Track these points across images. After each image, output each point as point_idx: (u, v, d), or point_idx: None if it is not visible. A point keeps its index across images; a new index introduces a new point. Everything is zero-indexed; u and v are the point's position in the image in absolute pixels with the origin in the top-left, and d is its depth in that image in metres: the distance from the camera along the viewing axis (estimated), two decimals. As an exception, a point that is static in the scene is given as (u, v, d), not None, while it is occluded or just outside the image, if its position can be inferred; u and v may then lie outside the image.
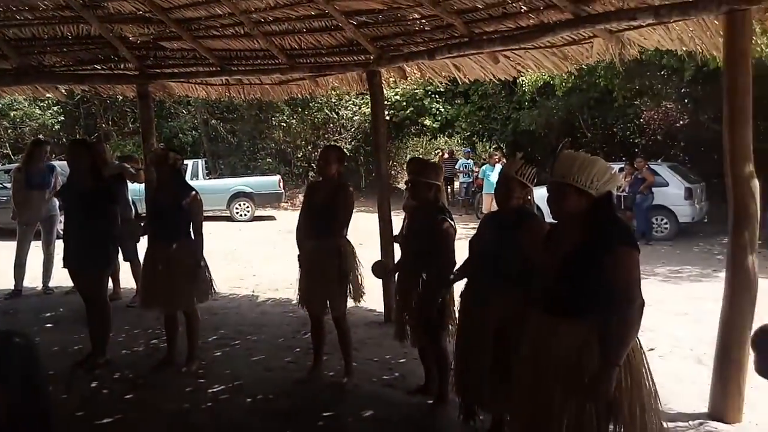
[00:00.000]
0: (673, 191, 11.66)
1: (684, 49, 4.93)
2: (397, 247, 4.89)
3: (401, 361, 4.80)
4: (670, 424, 3.67)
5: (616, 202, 11.80)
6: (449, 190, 18.82)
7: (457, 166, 17.68)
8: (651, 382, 2.40)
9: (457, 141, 22.56)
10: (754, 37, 4.51)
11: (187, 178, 14.04)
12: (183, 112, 20.52)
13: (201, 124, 20.67)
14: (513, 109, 18.98)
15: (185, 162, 13.55)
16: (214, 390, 4.34)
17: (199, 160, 16.87)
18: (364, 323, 5.90)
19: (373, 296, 6.12)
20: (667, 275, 8.57)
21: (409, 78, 7.08)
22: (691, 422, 3.73)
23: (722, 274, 3.97)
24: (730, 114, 3.88)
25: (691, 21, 4.46)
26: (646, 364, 2.41)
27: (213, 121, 20.53)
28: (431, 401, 3.94)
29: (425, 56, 5.82)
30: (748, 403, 3.72)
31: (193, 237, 4.56)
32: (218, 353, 5.16)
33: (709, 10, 3.89)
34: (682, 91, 14.27)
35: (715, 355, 3.85)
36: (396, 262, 4.32)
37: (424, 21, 5.67)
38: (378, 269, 4.20)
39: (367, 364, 4.77)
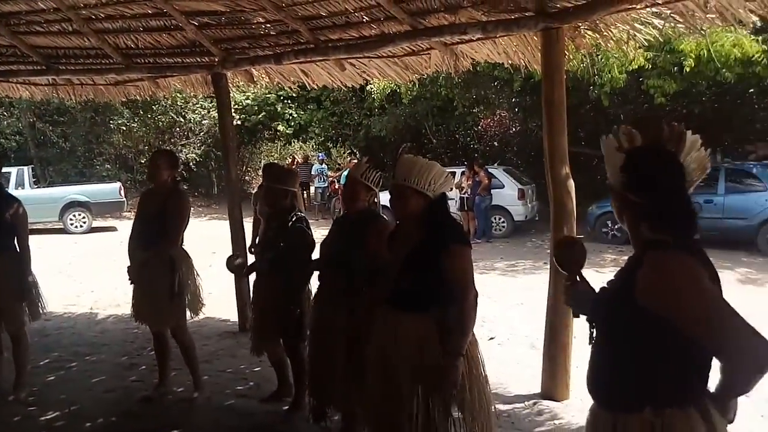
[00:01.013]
0: (508, 192, 12.70)
1: (510, 62, 5.42)
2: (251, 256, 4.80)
3: (256, 369, 4.73)
4: (508, 406, 4.03)
5: (460, 203, 12.69)
6: (305, 195, 18.87)
7: (312, 172, 17.74)
8: (483, 369, 2.62)
9: (312, 146, 22.64)
10: (568, 53, 5.06)
11: (11, 187, 12.62)
12: (4, 114, 18.38)
13: (27, 128, 18.65)
14: (364, 116, 19.46)
15: (6, 170, 12.19)
16: (48, 417, 3.96)
17: (25, 168, 15.21)
18: (217, 334, 5.72)
19: (227, 306, 5.97)
20: (504, 269, 9.32)
21: (258, 82, 7.00)
22: (526, 403, 4.09)
23: (550, 266, 4.40)
24: (548, 122, 4.33)
25: (515, 36, 4.93)
26: (479, 353, 2.62)
27: (40, 125, 18.61)
28: (286, 407, 3.93)
29: (272, 60, 5.81)
30: (574, 381, 4.10)
31: (18, 251, 4.12)
32: (51, 377, 4.71)
33: (528, 27, 4.31)
34: (513, 100, 15.60)
35: (544, 339, 4.27)
36: (251, 266, 4.23)
37: (269, 25, 5.64)
38: (231, 264, 4.11)
39: (219, 376, 4.63)
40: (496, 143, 17.74)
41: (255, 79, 6.75)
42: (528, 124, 16.09)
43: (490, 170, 13.00)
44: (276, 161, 19.34)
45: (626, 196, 1.65)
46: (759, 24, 4.59)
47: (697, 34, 8.56)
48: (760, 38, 10.27)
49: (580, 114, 13.82)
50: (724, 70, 10.31)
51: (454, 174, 13.47)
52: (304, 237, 3.62)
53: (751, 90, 13.84)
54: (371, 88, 15.63)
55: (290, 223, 3.62)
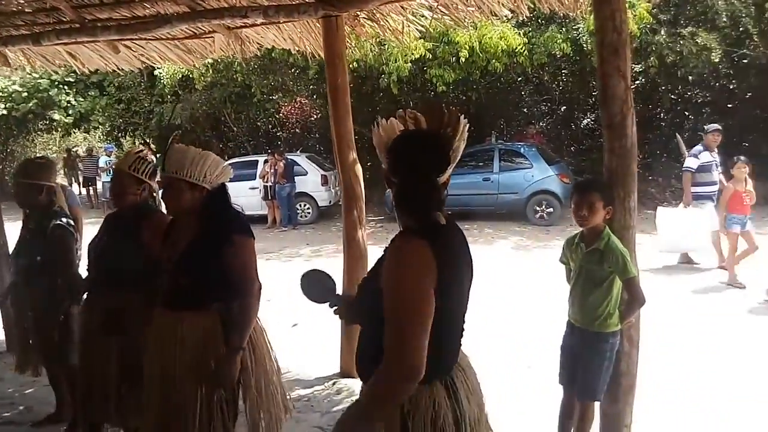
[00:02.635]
0: (311, 179, 12.83)
1: (297, 48, 5.42)
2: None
3: (27, 391, 4.18)
4: (308, 390, 4.08)
5: (264, 192, 12.53)
6: (91, 191, 17.11)
7: (100, 165, 16.14)
8: (274, 358, 2.60)
9: (99, 137, 20.52)
10: (350, 41, 5.21)
11: None
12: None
13: None
14: (155, 103, 18.14)
15: None
16: None
17: None
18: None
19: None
20: (309, 255, 9.42)
21: (14, 66, 6.12)
22: (326, 384, 4.18)
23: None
24: (333, 108, 4.42)
25: (300, 23, 4.93)
26: (267, 342, 2.59)
27: None
28: (65, 427, 3.53)
29: (29, 41, 5.10)
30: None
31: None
32: None
33: (309, 13, 4.34)
34: (311, 87, 15.74)
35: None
36: (11, 281, 3.70)
37: (23, 1, 4.93)
38: None
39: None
40: (298, 130, 17.76)
41: (11, 63, 5.90)
42: (327, 111, 16.38)
43: (292, 158, 12.99)
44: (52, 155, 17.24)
45: (389, 179, 1.69)
46: (510, 16, 5.14)
47: (468, 27, 9.41)
48: (521, 32, 11.59)
49: (374, 101, 14.42)
50: (493, 60, 11.47)
51: (256, 163, 13.35)
52: (65, 241, 3.24)
53: (519, 79, 15.62)
54: (160, 73, 14.61)
55: (50, 226, 3.22)
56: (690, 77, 13.49)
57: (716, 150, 7.27)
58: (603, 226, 2.80)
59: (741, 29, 12.67)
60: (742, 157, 6.71)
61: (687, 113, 15.10)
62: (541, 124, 16.43)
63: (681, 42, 11.81)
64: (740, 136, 14.15)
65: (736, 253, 6.53)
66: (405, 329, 1.49)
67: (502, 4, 4.32)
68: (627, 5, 10.02)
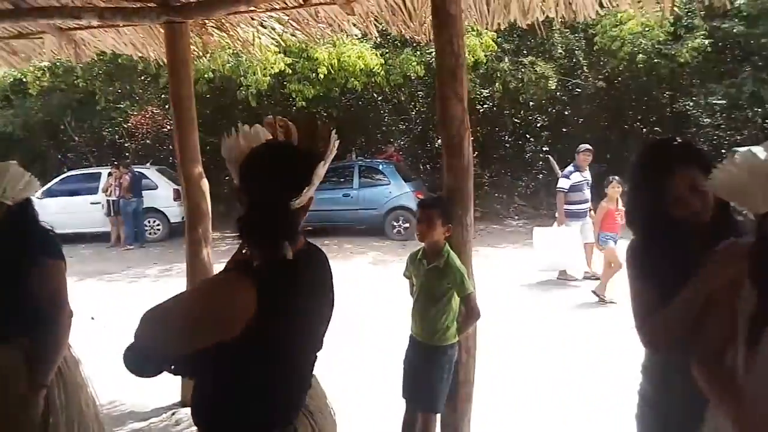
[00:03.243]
0: (162, 193, 12.11)
1: (139, 54, 5.09)
2: None
3: None
4: (144, 423, 3.77)
5: (107, 207, 11.59)
6: None
7: None
8: (91, 392, 2.35)
9: None
10: (198, 50, 4.99)
11: None
12: None
13: None
14: (-19, 108, 16.20)
15: None
16: None
17: None
18: None
19: None
20: (157, 275, 8.85)
21: None
22: (164, 415, 3.89)
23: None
24: (177, 120, 4.18)
25: (142, 28, 4.63)
26: (82, 373, 2.34)
27: None
28: None
29: None
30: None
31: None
32: None
33: (150, 18, 4.08)
34: (163, 96, 14.94)
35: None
36: None
37: None
38: None
39: None
40: (149, 141, 16.74)
41: None
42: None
43: (141, 170, 12.18)
44: None
45: (240, 198, 1.48)
46: (360, 35, 5.22)
47: (324, 44, 9.49)
48: (379, 52, 11.92)
49: (233, 114, 14.01)
50: (352, 78, 11.67)
51: (99, 175, 12.33)
52: None
53: (379, 98, 16.04)
54: (-14, 75, 13.08)
55: None
56: (531, 103, 14.71)
57: (587, 169, 7.61)
58: (443, 244, 2.88)
59: (574, 60, 14.07)
60: (616, 177, 6.81)
61: (528, 136, 16.39)
62: (399, 142, 16.99)
63: (522, 70, 12.83)
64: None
65: (609, 269, 6.57)
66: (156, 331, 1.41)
67: (353, 24, 4.37)
68: (475, 33, 10.62)
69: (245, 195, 1.44)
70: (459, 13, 2.92)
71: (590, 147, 7.79)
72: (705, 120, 15.97)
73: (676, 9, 11.22)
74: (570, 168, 7.72)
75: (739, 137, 14.51)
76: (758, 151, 1.39)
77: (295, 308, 1.46)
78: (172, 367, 1.50)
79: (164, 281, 8.41)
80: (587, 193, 7.58)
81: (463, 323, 2.88)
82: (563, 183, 7.56)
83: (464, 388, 3.00)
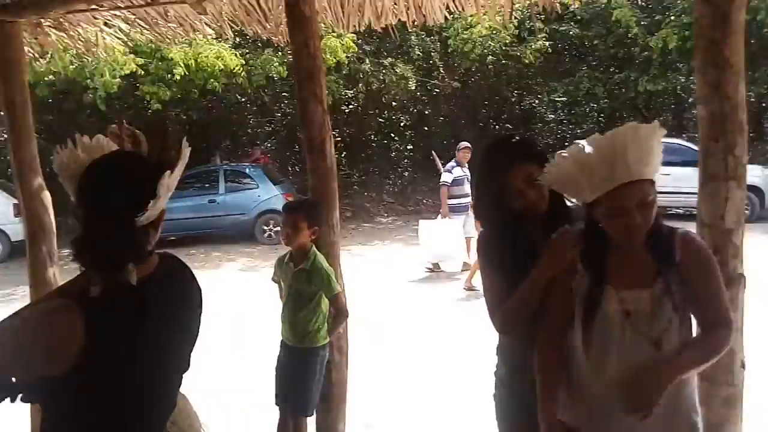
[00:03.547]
0: (1, 209, 10.90)
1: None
2: None
3: None
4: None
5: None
6: None
7: None
8: None
9: None
10: (33, 52, 4.55)
11: None
12: None
13: None
14: None
15: None
16: None
17: None
18: None
19: None
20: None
21: None
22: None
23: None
24: (11, 130, 3.78)
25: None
26: None
27: None
28: None
29: None
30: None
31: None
32: None
33: (-27, 17, 3.65)
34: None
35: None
36: None
37: None
38: None
39: None
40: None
41: None
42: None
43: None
44: None
45: (77, 215, 1.34)
46: (214, 35, 5.04)
47: (178, 44, 9.06)
48: (239, 53, 11.60)
49: (79, 119, 12.94)
50: (211, 80, 11.25)
51: None
52: None
53: (243, 99, 15.63)
54: None
55: None
56: (393, 103, 15.12)
57: (467, 165, 7.92)
58: (310, 246, 2.88)
59: (431, 62, 14.68)
60: None
61: (393, 135, 16.86)
62: (266, 144, 16.70)
63: (384, 71, 13.15)
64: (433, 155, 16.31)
65: None
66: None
67: (206, 23, 4.22)
68: (336, 34, 10.67)
69: (82, 212, 1.30)
70: (314, 15, 2.93)
71: (469, 144, 8.19)
72: (549, 116, 17.43)
73: (517, 13, 12.02)
74: (452, 163, 8.08)
75: (579, 131, 15.99)
76: (582, 145, 1.54)
77: (142, 337, 1.33)
78: (20, 394, 1.34)
79: (7, 306, 7.58)
80: (468, 188, 7.93)
81: (333, 324, 2.90)
82: (446, 177, 7.87)
83: (338, 388, 3.03)
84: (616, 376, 1.56)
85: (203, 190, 11.43)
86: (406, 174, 16.36)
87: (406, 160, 16.97)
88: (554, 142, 15.49)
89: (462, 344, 4.99)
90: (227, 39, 9.00)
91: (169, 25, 4.27)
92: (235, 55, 11.31)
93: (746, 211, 10.26)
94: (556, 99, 16.04)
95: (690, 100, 14.56)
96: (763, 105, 15.49)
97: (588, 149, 1.52)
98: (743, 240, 2.08)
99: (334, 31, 9.71)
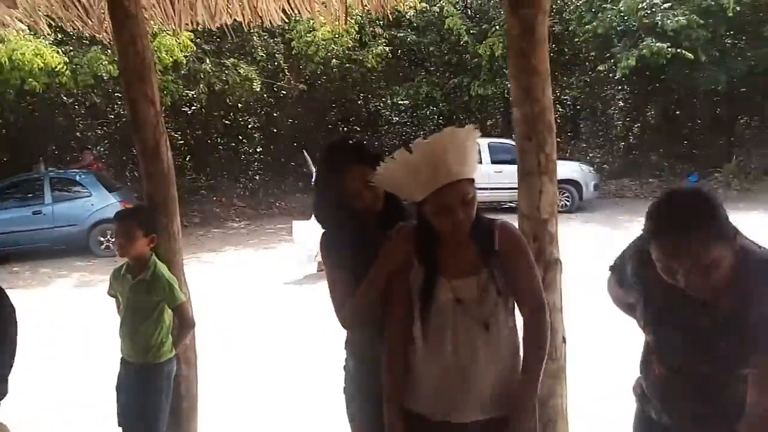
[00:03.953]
0: None
1: None
2: None
3: None
4: None
5: None
6: None
7: None
8: None
9: None
10: None
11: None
12: None
13: None
14: None
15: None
16: None
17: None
18: None
19: None
20: None
21: None
22: None
23: None
24: None
25: None
26: None
27: None
28: None
29: None
30: None
31: None
32: None
33: None
34: None
35: None
36: None
37: None
38: None
39: None
40: None
41: None
42: None
43: None
44: None
45: None
46: (27, 30, 4.57)
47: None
48: (62, 49, 10.58)
49: None
50: (30, 79, 10.16)
51: None
52: None
53: (71, 100, 14.29)
54: None
55: None
56: (239, 105, 14.76)
57: None
58: (149, 255, 2.73)
59: (276, 63, 14.52)
60: None
61: (241, 137, 16.46)
62: (99, 148, 15.41)
63: (226, 72, 12.77)
64: (287, 157, 16.23)
65: None
66: None
67: (17, 18, 3.81)
68: (171, 33, 10.16)
69: None
70: (139, 12, 2.78)
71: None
72: (394, 119, 18.11)
73: (357, 18, 12.32)
74: None
75: (421, 133, 16.78)
76: (412, 147, 1.65)
77: None
78: None
79: None
80: None
81: (178, 336, 2.78)
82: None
83: (188, 403, 2.90)
84: (451, 358, 1.68)
85: (26, 200, 10.30)
86: (257, 177, 16.05)
87: (256, 163, 16.65)
88: (400, 144, 16.10)
89: (324, 342, 5.01)
90: (49, 35, 8.18)
91: (-27, 17, 3.81)
92: (57, 52, 10.31)
93: (567, 203, 11.56)
94: (399, 102, 16.69)
95: (517, 103, 15.90)
96: (578, 107, 17.36)
97: (413, 153, 1.62)
98: (557, 228, 2.31)
99: (169, 30, 9.25)
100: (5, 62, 9.61)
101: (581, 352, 2.85)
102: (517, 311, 1.78)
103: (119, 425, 2.79)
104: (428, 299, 1.70)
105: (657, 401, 1.66)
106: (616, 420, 2.04)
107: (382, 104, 17.32)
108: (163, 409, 2.74)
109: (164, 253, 2.83)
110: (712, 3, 12.22)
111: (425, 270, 1.71)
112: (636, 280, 1.64)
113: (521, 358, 1.76)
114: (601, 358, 4.10)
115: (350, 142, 1.98)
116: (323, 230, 1.95)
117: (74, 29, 3.89)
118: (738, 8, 12.30)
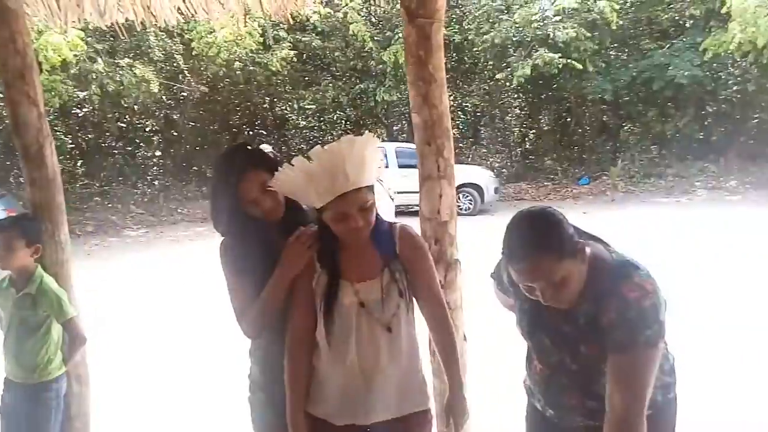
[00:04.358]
0: None
1: None
2: None
3: None
4: None
5: None
6: None
7: None
8: None
9: None
10: None
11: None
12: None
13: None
14: None
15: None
16: None
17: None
18: None
19: None
20: None
21: None
22: None
23: None
24: None
25: None
26: None
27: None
28: None
29: None
30: None
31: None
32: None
33: None
34: None
35: None
36: None
37: None
38: None
39: None
40: None
41: None
42: None
43: None
44: None
45: None
46: None
47: None
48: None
49: None
50: None
51: None
52: None
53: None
54: None
55: None
56: (135, 107, 14.08)
57: None
58: (34, 267, 2.54)
59: (175, 65, 14.00)
60: None
61: (138, 141, 15.71)
62: (-23, 153, 14.16)
63: (120, 72, 12.16)
64: (189, 161, 15.67)
65: None
66: None
67: None
68: (59, 30, 9.51)
69: None
70: (20, 8, 2.60)
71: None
72: (301, 122, 17.99)
73: (259, 21, 12.12)
74: None
75: (329, 137, 16.80)
76: (311, 155, 1.65)
77: None
78: None
79: None
80: None
81: (69, 351, 2.60)
82: None
83: (79, 422, 2.73)
84: (355, 361, 1.70)
85: None
86: (156, 182, 15.37)
87: (155, 168, 15.94)
88: (307, 148, 16.00)
89: (227, 351, 4.89)
90: None
91: None
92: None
93: (470, 206, 11.91)
94: (306, 106, 16.61)
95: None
96: (478, 114, 18.05)
97: (311, 161, 1.63)
98: (457, 230, 2.39)
99: (57, 27, 8.68)
100: None
101: (481, 349, 2.96)
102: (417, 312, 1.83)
103: (5, 452, 2.59)
104: (331, 302, 1.71)
105: (540, 395, 1.78)
106: (513, 413, 2.14)
107: (288, 108, 17.16)
108: (54, 431, 2.57)
109: (51, 264, 2.65)
110: (598, 17, 13.14)
111: (327, 274, 1.72)
112: (511, 290, 1.77)
113: (419, 357, 1.82)
114: (499, 354, 4.27)
115: (248, 147, 1.94)
116: (222, 237, 1.90)
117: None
118: (621, 22, 13.33)
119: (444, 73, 2.31)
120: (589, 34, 13.14)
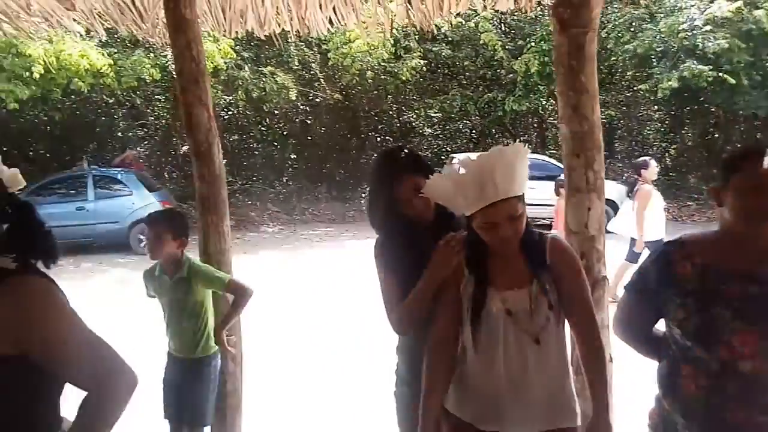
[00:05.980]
0: None
1: None
2: None
3: None
4: None
5: None
6: None
7: None
8: None
9: None
10: None
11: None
12: None
13: None
14: None
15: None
16: None
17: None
18: None
19: None
20: None
21: None
22: None
23: None
24: None
25: None
26: None
27: None
28: None
29: None
30: None
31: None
32: None
33: None
34: None
35: None
36: None
37: None
38: None
39: None
40: None
41: None
42: None
43: None
44: None
45: None
46: (84, 33, 4.74)
47: (38, 39, 8.34)
48: (106, 52, 10.89)
49: None
50: (76, 79, 10.48)
51: None
52: None
53: (111, 101, 14.69)
54: None
55: None
56: (275, 112, 14.98)
57: None
58: (181, 255, 2.76)
59: (311, 73, 14.72)
60: None
61: (276, 144, 16.68)
62: (138, 149, 15.79)
63: (263, 79, 12.99)
64: (320, 164, 16.40)
65: None
66: (106, 350, 1.38)
67: (74, 20, 3.96)
68: (212, 39, 10.34)
69: None
70: (195, 18, 2.88)
71: None
72: (427, 130, 18.14)
73: (394, 32, 12.46)
74: None
75: (454, 146, 16.80)
76: (459, 163, 1.68)
77: None
78: None
79: None
80: None
81: (235, 304, 2.79)
82: None
83: (232, 399, 2.97)
84: (502, 369, 1.70)
85: (69, 196, 10.58)
86: (291, 183, 16.22)
87: (290, 169, 16.84)
88: (431, 156, 16.14)
89: (376, 345, 5.03)
90: (93, 37, 8.39)
91: (33, 19, 3.97)
92: (102, 54, 10.63)
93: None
94: (432, 115, 16.74)
95: (550, 119, 15.82)
96: (613, 126, 17.17)
97: (461, 171, 1.66)
98: (605, 246, 2.29)
99: (210, 36, 9.47)
100: (53, 62, 9.92)
101: (628, 371, 2.79)
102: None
103: (165, 418, 2.86)
104: (478, 309, 1.72)
105: (690, 420, 1.57)
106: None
107: (415, 116, 17.39)
108: (211, 402, 2.81)
109: (214, 252, 2.91)
110: (754, 26, 12.01)
111: (475, 280, 1.74)
112: (661, 291, 1.62)
113: (570, 373, 1.77)
114: (646, 380, 4.00)
115: (405, 151, 2.02)
116: (377, 235, 2.00)
117: (128, 32, 4.02)
118: (781, 32, 12.08)
119: (596, 84, 2.25)
120: (743, 45, 12.04)
